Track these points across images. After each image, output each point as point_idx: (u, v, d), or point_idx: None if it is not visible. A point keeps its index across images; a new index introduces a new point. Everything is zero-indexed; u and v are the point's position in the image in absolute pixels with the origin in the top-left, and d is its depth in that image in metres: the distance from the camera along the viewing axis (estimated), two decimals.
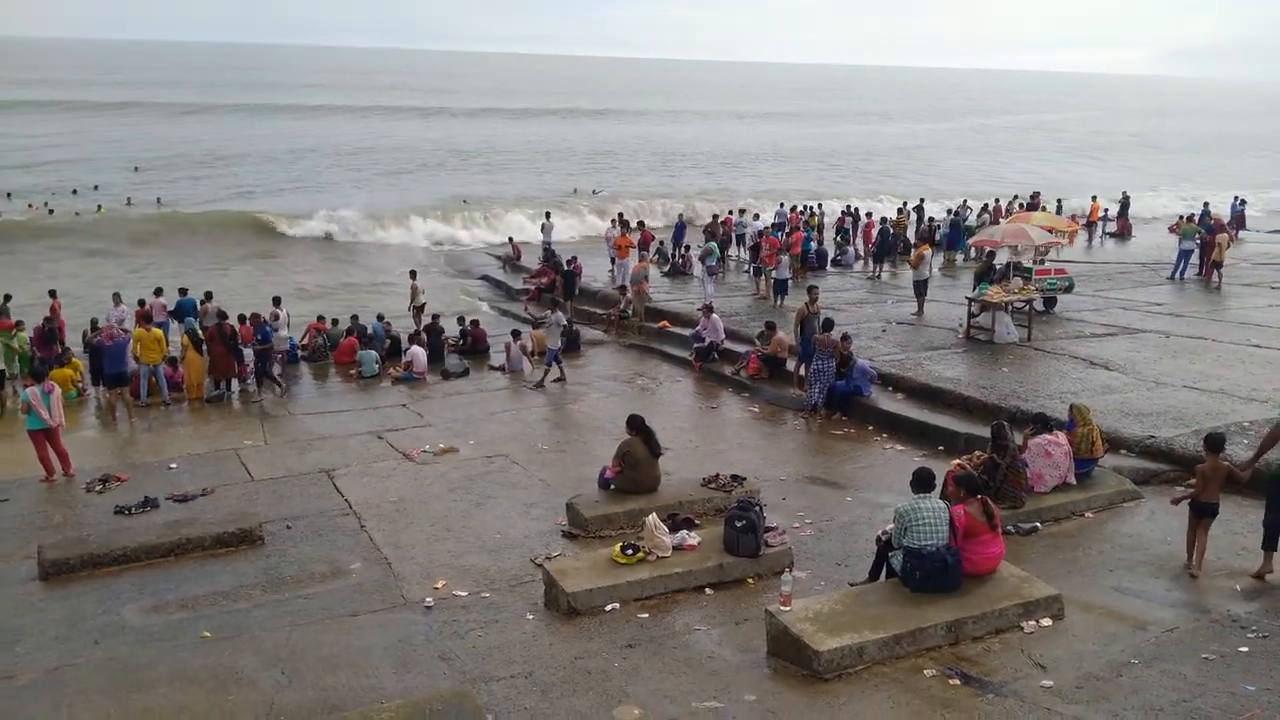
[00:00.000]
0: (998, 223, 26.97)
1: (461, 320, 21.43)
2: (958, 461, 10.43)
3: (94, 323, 19.17)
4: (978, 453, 10.53)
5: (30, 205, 39.47)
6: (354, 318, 21.01)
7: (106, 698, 7.10)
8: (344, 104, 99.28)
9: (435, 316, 21.51)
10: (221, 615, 8.51)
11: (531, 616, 8.29)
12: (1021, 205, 29.01)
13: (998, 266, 20.31)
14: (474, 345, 20.48)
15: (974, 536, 7.89)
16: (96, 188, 44.08)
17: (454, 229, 38.29)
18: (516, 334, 19.43)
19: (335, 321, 21.06)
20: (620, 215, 29.09)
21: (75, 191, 42.47)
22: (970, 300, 18.44)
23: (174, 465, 13.34)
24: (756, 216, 28.28)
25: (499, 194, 46.11)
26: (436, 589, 8.93)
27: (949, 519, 7.83)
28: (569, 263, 25.15)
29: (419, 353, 18.99)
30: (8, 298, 20.19)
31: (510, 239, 32.90)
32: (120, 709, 6.90)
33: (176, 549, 9.90)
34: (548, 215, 29.80)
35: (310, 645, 7.80)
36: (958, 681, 6.86)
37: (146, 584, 9.24)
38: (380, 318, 21.18)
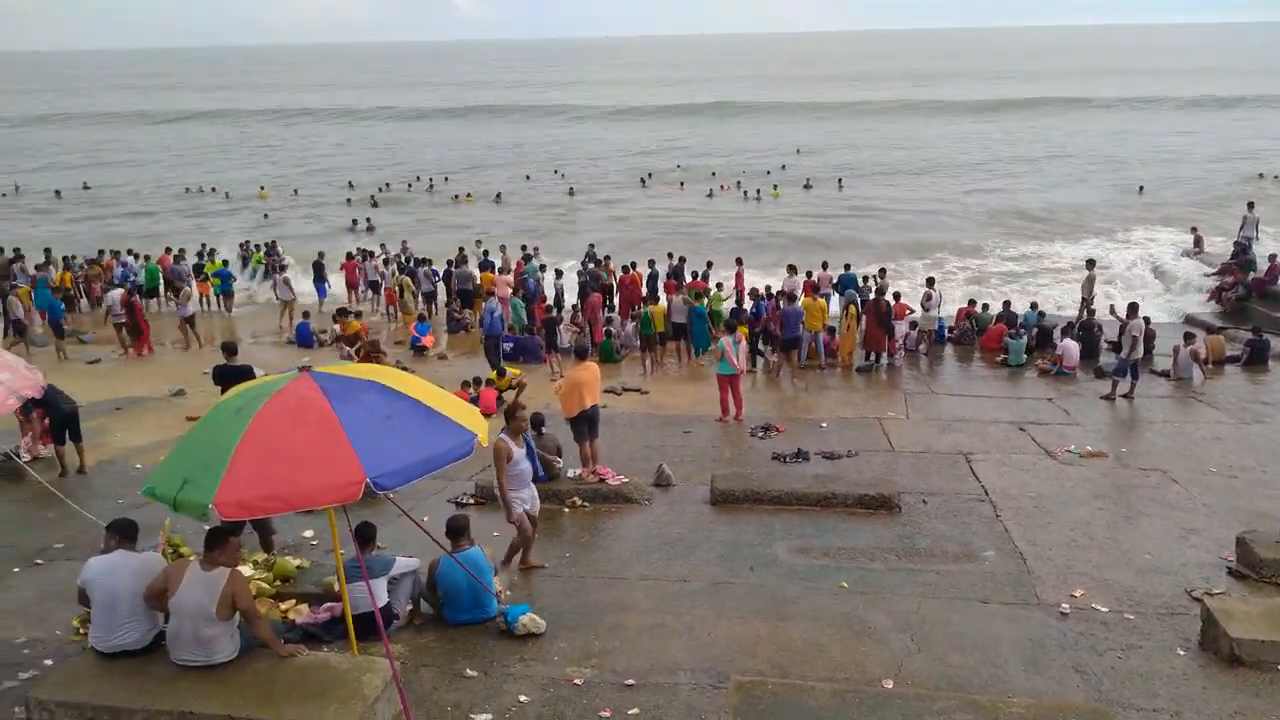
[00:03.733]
0: None
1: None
2: None
3: (768, 289, 21.53)
4: None
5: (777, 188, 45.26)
6: (1006, 304, 20.58)
7: (756, 618, 8.02)
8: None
9: (1091, 311, 20.13)
10: (858, 570, 9.06)
11: (1182, 652, 7.40)
12: None
13: None
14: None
15: None
16: (800, 177, 49.13)
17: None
18: (1190, 336, 17.30)
19: (985, 306, 20.85)
20: None
21: (785, 166, 47.88)
22: None
23: (824, 425, 14.49)
24: None
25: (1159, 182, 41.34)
26: (1074, 597, 8.43)
27: None
28: (1270, 260, 21.56)
29: (1071, 346, 17.93)
30: (682, 260, 23.66)
31: (1193, 228, 29.25)
32: (768, 631, 7.75)
33: (822, 501, 10.77)
34: (1250, 206, 25.60)
35: (939, 620, 7.93)
36: None
37: (795, 527, 10.21)
38: (1034, 306, 20.45)
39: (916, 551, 9.56)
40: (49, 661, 7.23)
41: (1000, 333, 19.35)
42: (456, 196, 45.27)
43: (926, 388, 17.25)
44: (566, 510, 11.00)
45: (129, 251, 27.79)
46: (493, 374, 16.72)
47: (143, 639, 6.35)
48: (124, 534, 6.69)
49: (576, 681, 6.86)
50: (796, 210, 40.81)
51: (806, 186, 45.36)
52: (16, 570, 9.35)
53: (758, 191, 43.60)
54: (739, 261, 23.74)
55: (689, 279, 22.22)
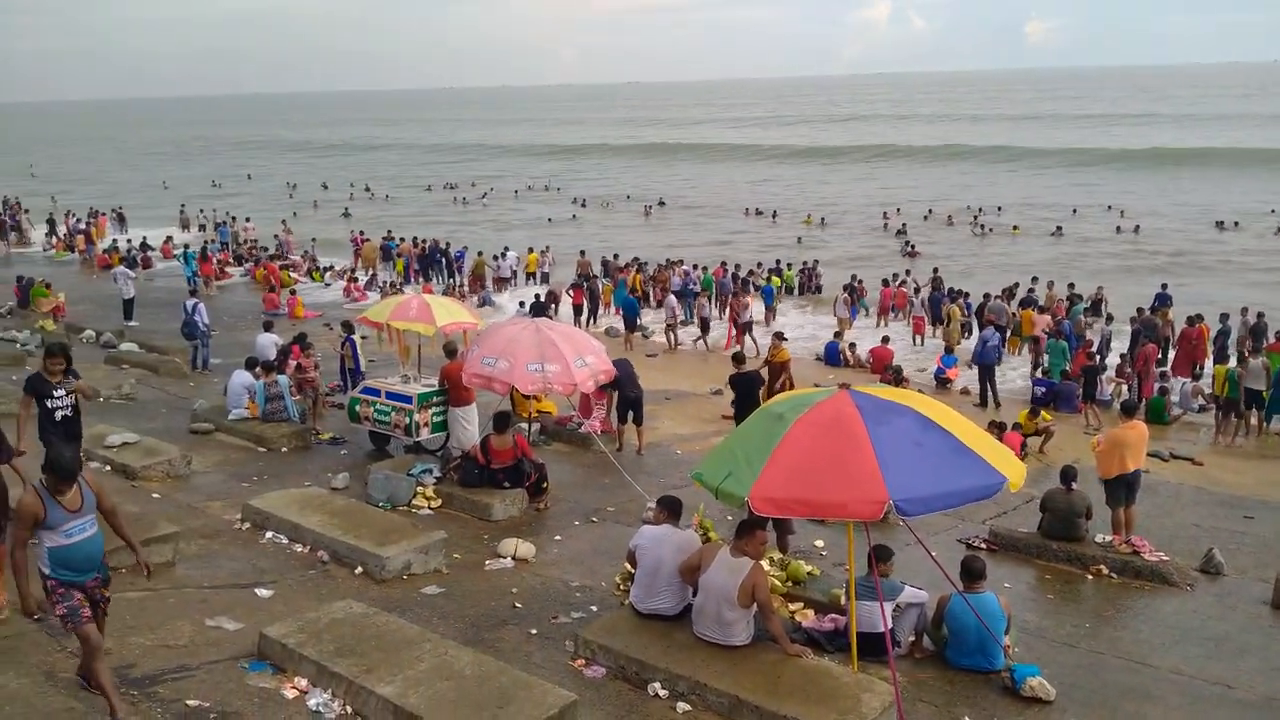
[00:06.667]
0: None
1: None
2: None
3: None
4: None
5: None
6: None
7: None
8: None
9: None
10: None
11: None
12: None
13: None
14: None
15: None
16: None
17: None
18: None
19: None
20: None
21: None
22: None
23: None
24: None
25: None
26: None
27: None
28: None
29: None
30: (1261, 316, 20.19)
31: None
32: None
33: None
34: None
35: None
36: None
37: None
38: None
39: None
40: (594, 607, 8.37)
41: None
42: (983, 226, 43.82)
43: None
44: (1089, 577, 10.09)
45: (690, 264, 31.02)
46: (1021, 415, 15.87)
47: (674, 607, 7.11)
48: (673, 511, 7.56)
49: None
50: None
51: None
52: (576, 523, 10.97)
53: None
54: (1192, 317, 19.80)
55: (1272, 339, 19.06)
